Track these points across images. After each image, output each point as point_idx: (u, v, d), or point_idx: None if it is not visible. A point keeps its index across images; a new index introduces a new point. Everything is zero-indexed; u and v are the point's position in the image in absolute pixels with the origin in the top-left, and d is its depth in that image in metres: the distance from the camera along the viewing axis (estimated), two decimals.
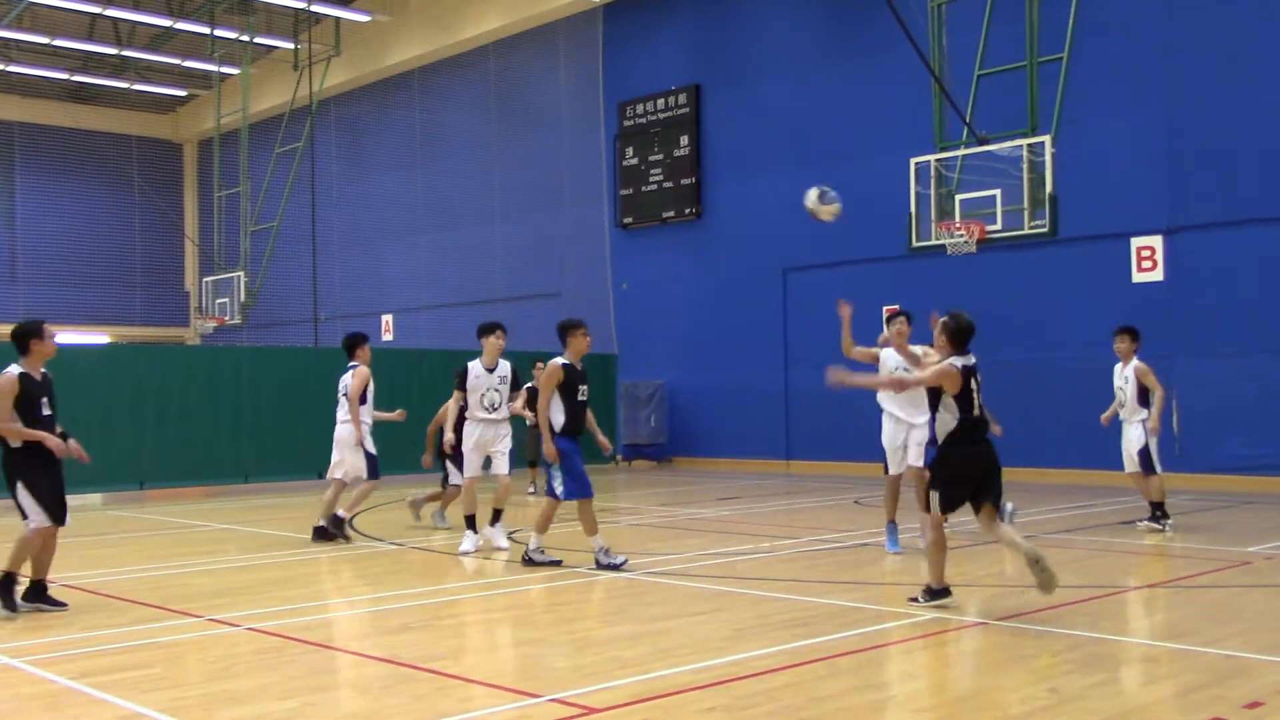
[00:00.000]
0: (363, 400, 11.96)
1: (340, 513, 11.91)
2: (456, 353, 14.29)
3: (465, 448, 11.11)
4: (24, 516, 8.01)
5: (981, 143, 15.81)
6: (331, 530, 11.80)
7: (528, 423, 12.23)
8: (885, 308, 20.24)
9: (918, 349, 10.27)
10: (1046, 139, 15.17)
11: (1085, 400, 15.41)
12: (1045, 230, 15.23)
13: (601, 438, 10.71)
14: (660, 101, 24.31)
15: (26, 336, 8.12)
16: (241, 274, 27.61)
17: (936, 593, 7.83)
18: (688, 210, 23.75)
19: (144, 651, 7.03)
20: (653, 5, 24.57)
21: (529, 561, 9.97)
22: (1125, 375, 11.98)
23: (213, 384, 19.15)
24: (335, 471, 12.01)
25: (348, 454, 11.90)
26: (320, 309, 30.41)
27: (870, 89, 20.70)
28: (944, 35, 16.79)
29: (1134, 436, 11.92)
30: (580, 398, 9.90)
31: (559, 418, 9.81)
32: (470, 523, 11.07)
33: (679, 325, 23.93)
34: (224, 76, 30.31)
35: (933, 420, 7.90)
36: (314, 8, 26.87)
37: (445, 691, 5.98)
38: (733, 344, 22.90)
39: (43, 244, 35.47)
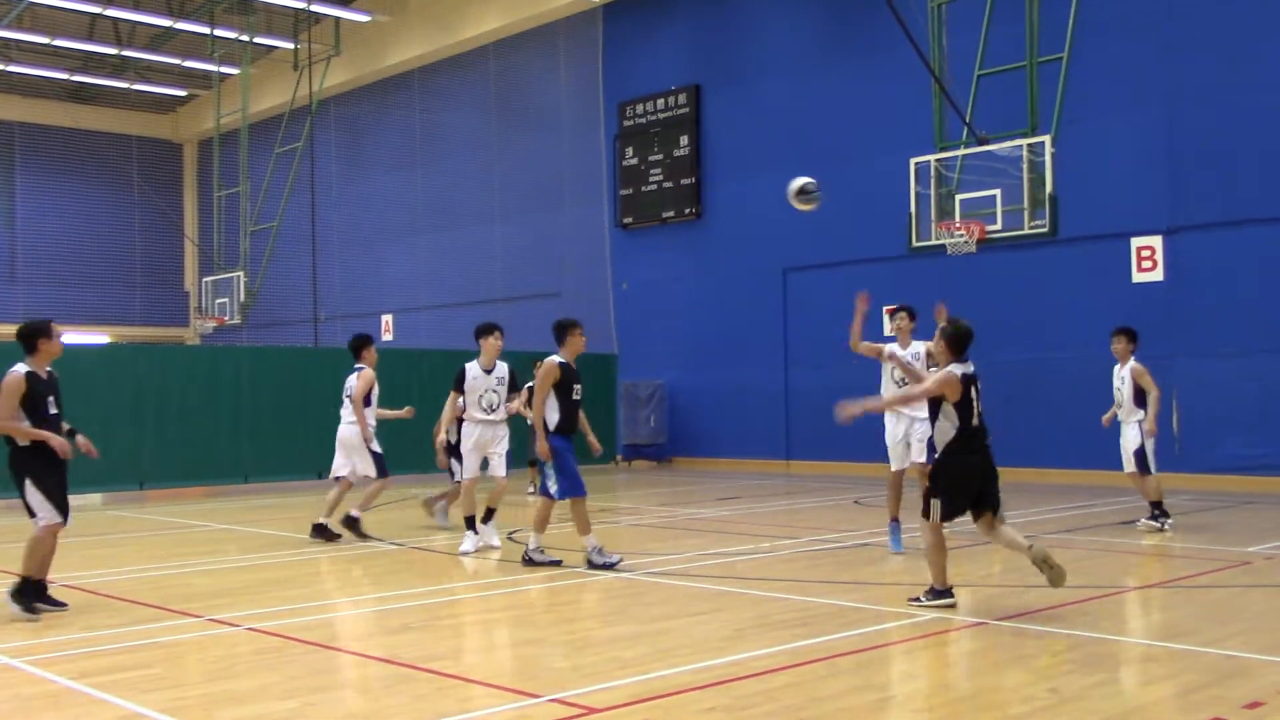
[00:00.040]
0: (367, 402, 12.00)
1: (354, 512, 12.03)
2: (456, 353, 14.31)
3: (464, 449, 11.12)
4: (32, 515, 8.00)
5: (981, 143, 15.81)
6: (342, 530, 11.89)
7: (529, 422, 12.24)
8: (885, 308, 20.33)
9: (920, 345, 10.26)
10: (1046, 139, 15.17)
11: (1085, 400, 15.42)
12: (1045, 230, 15.23)
13: (592, 438, 10.71)
14: (660, 101, 24.31)
15: (35, 335, 8.10)
16: (241, 274, 27.62)
17: (940, 593, 7.84)
18: (688, 210, 23.75)
19: (144, 651, 7.03)
20: (653, 5, 24.57)
21: (529, 561, 9.97)
22: (1122, 376, 12.06)
23: (213, 384, 19.15)
24: (340, 470, 12.03)
25: (354, 455, 11.97)
26: (320, 309, 30.41)
27: (870, 89, 20.70)
28: (944, 35, 16.79)
29: (1131, 436, 11.98)
30: (575, 397, 9.93)
31: (553, 416, 9.84)
32: (470, 523, 11.09)
33: (679, 325, 23.94)
34: (224, 76, 30.31)
35: (932, 429, 7.93)
36: (314, 8, 26.87)
37: (445, 691, 5.98)
38: (733, 344, 22.91)
39: (43, 244, 35.47)
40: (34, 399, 7.92)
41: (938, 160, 16.25)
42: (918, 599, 7.92)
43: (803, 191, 11.61)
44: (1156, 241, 17.40)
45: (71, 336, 8.52)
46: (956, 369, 7.80)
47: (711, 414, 23.35)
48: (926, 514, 7.85)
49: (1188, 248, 17.16)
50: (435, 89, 29.68)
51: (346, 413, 12.15)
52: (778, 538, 11.98)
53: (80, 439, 8.31)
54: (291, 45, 28.42)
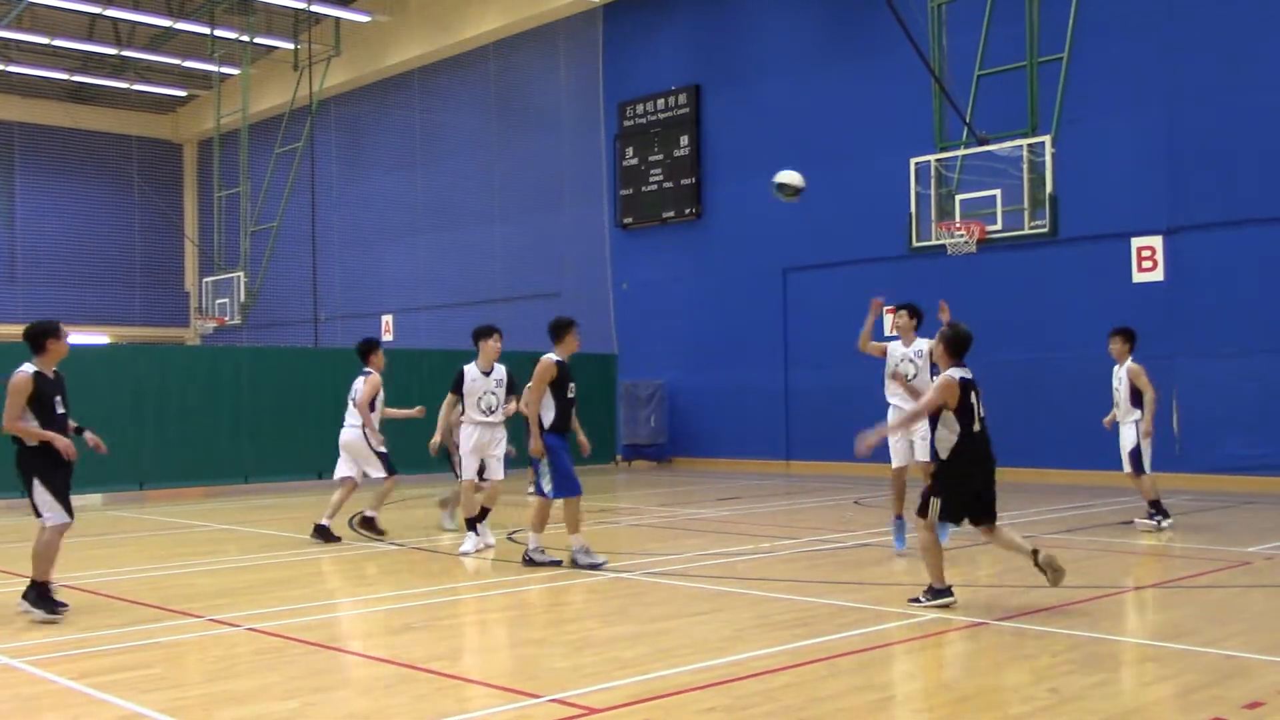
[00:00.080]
0: (371, 406, 12.07)
1: (368, 512, 12.19)
2: (457, 353, 14.32)
3: (463, 450, 11.13)
4: (38, 515, 7.97)
5: (981, 143, 15.81)
6: (359, 530, 12.04)
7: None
8: (885, 308, 20.33)
9: (924, 343, 10.23)
10: (1046, 139, 15.17)
11: (1085, 400, 15.43)
12: (1045, 230, 15.23)
13: (583, 437, 10.74)
14: (660, 101, 24.31)
15: (44, 335, 8.09)
16: (241, 274, 27.62)
17: (939, 592, 7.85)
18: (688, 210, 23.75)
19: (144, 651, 7.03)
20: (653, 5, 24.57)
21: (529, 561, 9.98)
22: (1119, 376, 12.11)
23: (213, 384, 19.15)
24: (345, 470, 12.06)
25: (358, 458, 12.06)
26: (320, 309, 30.41)
27: (870, 89, 20.70)
28: (944, 35, 16.79)
29: (1127, 436, 12.06)
30: (570, 395, 9.96)
31: (548, 414, 9.84)
32: (470, 524, 11.10)
33: (679, 325, 23.93)
34: (224, 77, 30.32)
35: (933, 438, 7.94)
36: (314, 8, 26.87)
37: (445, 691, 5.98)
38: (733, 344, 22.90)
39: (43, 244, 35.46)
40: (41, 399, 7.91)
41: (938, 160, 16.24)
42: (917, 599, 7.92)
43: (788, 187, 11.48)
44: (1156, 241, 17.40)
45: (72, 337, 8.48)
46: (955, 373, 7.83)
47: (711, 414, 23.35)
48: (924, 512, 7.87)
49: (1188, 248, 17.16)
50: (435, 89, 29.68)
51: (350, 416, 12.19)
52: (778, 538, 11.98)
53: (88, 435, 8.32)
54: (291, 45, 28.42)
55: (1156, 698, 5.74)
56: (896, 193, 17.10)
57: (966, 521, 7.99)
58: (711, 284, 23.41)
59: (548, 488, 9.81)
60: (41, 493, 7.92)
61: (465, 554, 10.86)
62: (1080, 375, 16.80)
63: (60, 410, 8.04)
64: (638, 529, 13.48)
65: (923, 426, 10.07)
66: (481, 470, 11.27)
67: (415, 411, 12.81)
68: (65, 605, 8.16)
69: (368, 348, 12.36)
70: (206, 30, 27.62)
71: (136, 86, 33.77)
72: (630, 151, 24.82)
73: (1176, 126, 17.31)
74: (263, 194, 28.83)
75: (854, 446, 8.03)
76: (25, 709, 5.78)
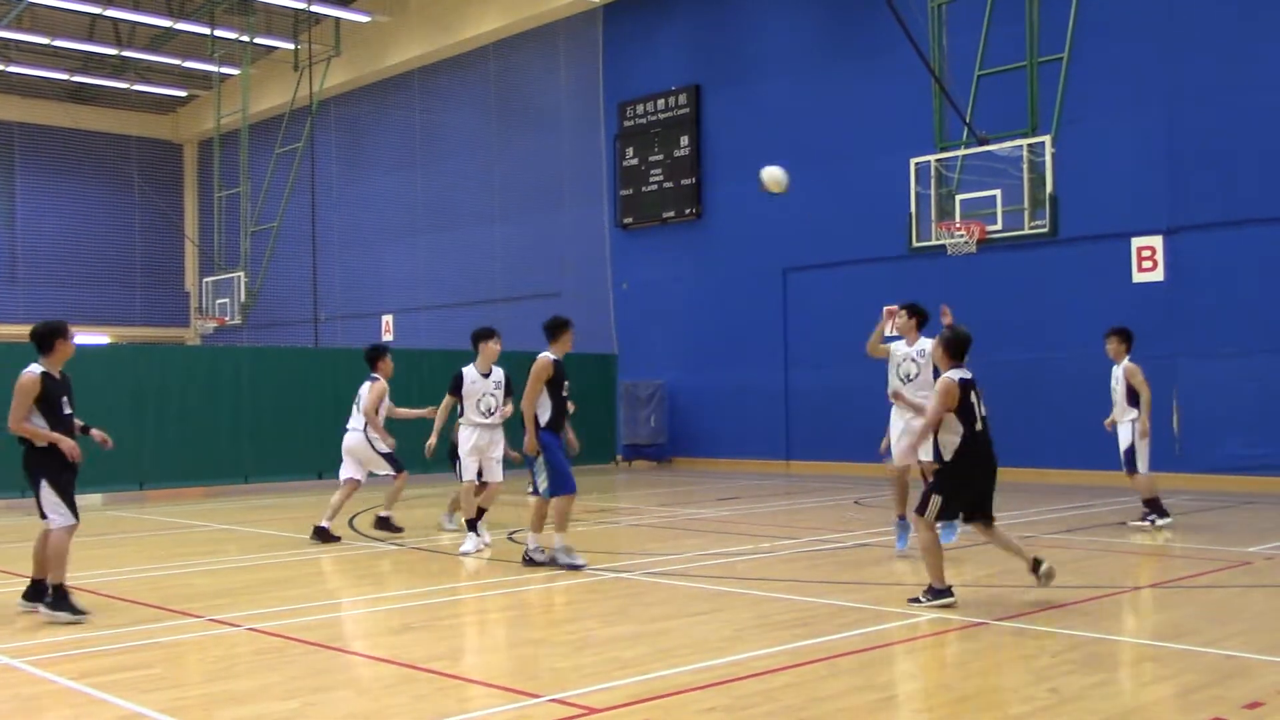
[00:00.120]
0: (375, 411, 12.17)
1: (383, 513, 12.35)
2: (457, 353, 14.33)
3: (462, 451, 11.16)
4: (43, 516, 7.93)
5: (981, 143, 15.80)
6: (382, 529, 12.20)
7: None
8: (886, 308, 20.34)
9: (927, 343, 10.18)
10: (1046, 139, 15.17)
11: (1085, 400, 15.42)
12: (1045, 230, 15.23)
13: (572, 435, 10.77)
14: (660, 101, 24.31)
15: (52, 336, 8.06)
16: (241, 274, 27.61)
17: (939, 592, 7.85)
18: (688, 210, 23.75)
19: (144, 651, 7.03)
20: (653, 5, 24.57)
21: (529, 561, 9.98)
22: (1116, 375, 12.19)
23: (213, 384, 19.16)
24: (349, 473, 12.11)
25: (364, 461, 12.19)
26: (320, 309, 30.42)
27: (870, 89, 20.70)
28: (944, 35, 16.79)
29: (1123, 435, 12.14)
30: (564, 393, 9.99)
31: (545, 413, 9.85)
32: (470, 525, 11.12)
33: (679, 325, 23.93)
34: (224, 77, 30.31)
35: (935, 439, 7.97)
36: (314, 8, 26.87)
37: (445, 691, 5.98)
38: (733, 344, 22.90)
39: (43, 244, 35.46)
40: (49, 399, 7.89)
41: (938, 160, 16.24)
42: (917, 599, 7.93)
43: (774, 183, 11.91)
44: (1156, 241, 17.40)
45: (75, 337, 8.47)
46: (954, 374, 7.89)
47: (711, 414, 23.35)
48: (923, 510, 7.90)
49: (1188, 248, 17.16)
50: (435, 89, 29.68)
51: (354, 421, 12.26)
52: (778, 538, 11.98)
53: (95, 432, 8.31)
54: (291, 45, 28.42)
55: (1156, 698, 5.74)
56: (896, 193, 17.09)
57: (961, 518, 8.06)
58: (711, 284, 23.40)
59: (543, 486, 9.81)
60: (49, 494, 7.89)
61: (465, 554, 10.87)
62: (1080, 375, 16.79)
63: (67, 411, 8.03)
64: (638, 529, 13.48)
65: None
66: (479, 472, 11.29)
67: (426, 412, 12.84)
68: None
69: (376, 354, 12.48)
70: (206, 30, 27.62)
71: (136, 87, 33.77)
72: (630, 151, 24.82)
73: (1176, 126, 17.31)
74: (263, 194, 28.83)
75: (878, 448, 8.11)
76: (25, 709, 5.78)
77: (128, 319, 36.07)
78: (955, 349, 8.03)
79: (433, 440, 11.75)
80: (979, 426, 7.86)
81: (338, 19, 28.05)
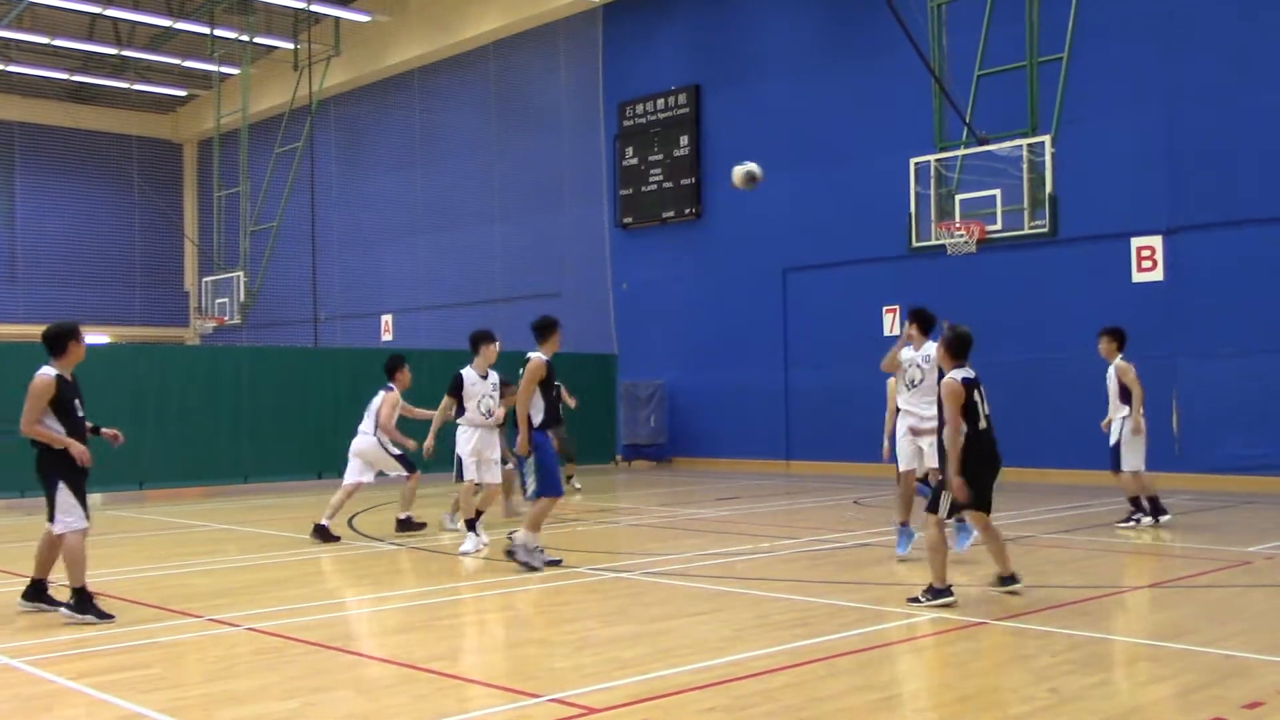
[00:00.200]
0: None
1: (402, 515, 12.49)
2: (457, 353, 14.32)
3: (463, 452, 11.20)
4: (51, 518, 7.87)
5: (981, 143, 15.80)
6: (403, 530, 12.37)
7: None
8: (886, 308, 20.36)
9: (933, 347, 10.09)
10: (1046, 139, 15.17)
11: (1085, 400, 15.42)
12: (1045, 230, 15.24)
13: (551, 433, 10.77)
14: (660, 101, 24.31)
15: (65, 338, 8.02)
16: (241, 274, 27.61)
17: (939, 592, 7.87)
18: (688, 210, 23.75)
19: (144, 651, 7.03)
20: (653, 5, 24.56)
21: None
22: (1109, 375, 12.35)
23: (213, 384, 19.16)
24: (355, 476, 12.16)
25: (375, 462, 12.31)
26: (320, 309, 30.40)
27: (870, 89, 20.70)
28: (944, 35, 16.79)
29: (1113, 433, 12.30)
30: (554, 394, 10.02)
31: (537, 414, 9.84)
32: (470, 525, 11.14)
33: (679, 325, 23.93)
34: (224, 76, 30.31)
35: (940, 438, 8.00)
36: (314, 8, 26.86)
37: (445, 691, 5.98)
38: (733, 344, 22.90)
39: (43, 244, 35.47)
40: (62, 402, 7.86)
41: (938, 160, 16.24)
42: (917, 599, 7.93)
43: (745, 179, 12.38)
44: (1156, 241, 17.40)
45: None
46: (957, 374, 7.94)
47: (711, 414, 23.35)
48: (934, 508, 7.95)
49: (1188, 248, 17.16)
50: (435, 89, 29.68)
51: (365, 425, 12.37)
52: (778, 538, 11.98)
53: (106, 431, 8.28)
54: (291, 45, 28.41)
55: (1156, 698, 5.74)
56: (896, 193, 17.09)
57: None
58: (711, 284, 23.40)
59: (531, 486, 9.79)
60: (66, 496, 7.83)
61: (465, 554, 10.87)
62: (1080, 375, 16.79)
63: (80, 413, 8.01)
64: (638, 529, 13.48)
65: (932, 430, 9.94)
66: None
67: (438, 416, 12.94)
68: (65, 605, 8.16)
69: (395, 365, 12.64)
70: (206, 30, 27.62)
71: (136, 86, 33.77)
72: (630, 151, 24.82)
73: (1176, 126, 17.31)
74: (262, 194, 28.83)
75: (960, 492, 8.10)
76: (25, 709, 5.78)
77: (127, 319, 36.08)
78: (957, 348, 8.07)
79: (430, 441, 11.80)
80: (983, 425, 7.93)
81: (337, 19, 28.05)
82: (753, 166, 12.49)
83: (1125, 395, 12.15)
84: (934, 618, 7.56)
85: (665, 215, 24.13)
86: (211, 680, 6.29)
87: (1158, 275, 17.38)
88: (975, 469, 7.88)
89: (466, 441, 11.20)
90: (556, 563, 9.98)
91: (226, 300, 27.88)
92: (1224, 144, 16.81)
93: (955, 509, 8.02)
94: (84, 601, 7.79)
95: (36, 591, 8.17)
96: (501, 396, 11.47)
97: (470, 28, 27.23)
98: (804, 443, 21.77)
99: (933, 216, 16.14)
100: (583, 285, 25.55)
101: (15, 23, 27.12)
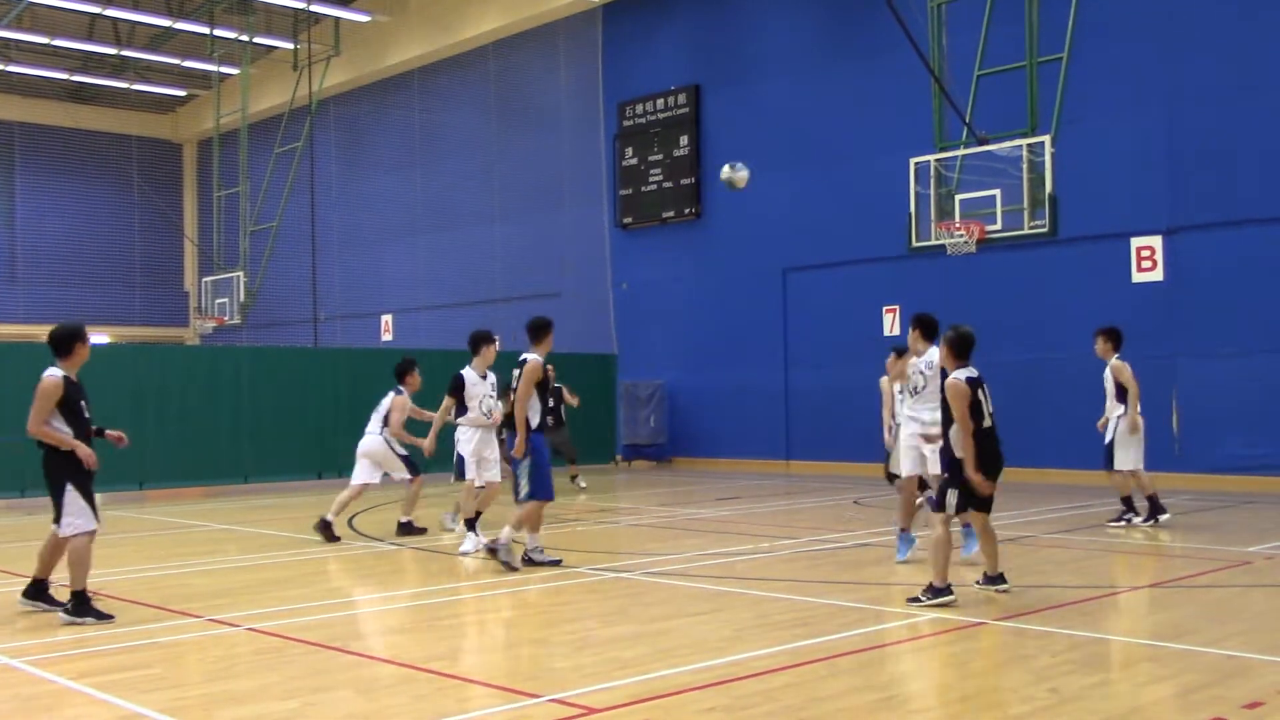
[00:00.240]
0: (390, 422, 12.38)
1: (404, 518, 12.47)
2: (457, 353, 14.33)
3: (465, 452, 11.22)
4: (57, 520, 7.84)
5: (981, 143, 15.80)
6: (406, 533, 12.33)
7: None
8: (886, 308, 20.36)
9: (934, 353, 10.01)
10: (1046, 139, 15.17)
11: (1085, 400, 15.41)
12: (1045, 230, 15.24)
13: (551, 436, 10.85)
14: (660, 101, 24.31)
15: (72, 339, 8.01)
16: (241, 274, 27.61)
17: (939, 590, 7.88)
18: (688, 210, 23.75)
19: (144, 651, 7.03)
20: (653, 5, 24.56)
21: (529, 561, 9.98)
22: (1105, 374, 12.45)
23: (213, 384, 19.15)
24: (363, 477, 12.20)
25: (381, 464, 12.35)
26: (320, 309, 30.39)
27: (870, 89, 20.70)
28: (944, 35, 16.79)
29: (1108, 431, 12.37)
30: (557, 396, 10.05)
31: (534, 416, 9.84)
32: (469, 525, 11.15)
33: (679, 325, 23.93)
34: (224, 76, 30.30)
35: (946, 440, 8.02)
36: (314, 8, 26.86)
37: (445, 691, 5.98)
38: (733, 344, 22.90)
39: (43, 244, 35.46)
40: (69, 403, 7.84)
41: (938, 160, 16.24)
42: (917, 599, 7.94)
43: (734, 169, 12.77)
44: (1156, 241, 17.39)
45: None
46: (961, 374, 7.97)
47: (711, 414, 23.35)
48: (941, 507, 7.98)
49: (1188, 248, 17.16)
50: (435, 89, 29.68)
51: (373, 425, 12.42)
52: (778, 538, 11.98)
53: (110, 433, 8.24)
54: (291, 45, 28.41)
55: (1156, 698, 5.74)
56: (896, 193, 17.09)
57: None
58: (711, 284, 23.40)
59: (525, 489, 9.76)
60: (75, 498, 7.79)
61: (465, 554, 10.87)
62: (1080, 375, 16.77)
63: (86, 414, 7.99)
64: (638, 529, 13.48)
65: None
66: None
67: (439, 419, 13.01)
68: (65, 605, 8.15)
69: (406, 368, 12.67)
70: (206, 30, 27.61)
71: (136, 86, 33.77)
72: (630, 151, 24.82)
73: (1176, 126, 17.31)
74: (262, 194, 28.82)
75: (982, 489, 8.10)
76: (25, 709, 5.78)
77: (127, 319, 36.07)
78: (960, 348, 8.09)
79: (431, 442, 11.82)
80: (987, 423, 7.97)
81: (337, 19, 28.05)
82: (735, 178, 12.65)
83: (1121, 394, 12.25)
84: (934, 618, 7.56)
85: (665, 215, 24.13)
86: (211, 680, 6.29)
87: (1158, 275, 17.38)
88: (980, 466, 7.93)
89: (468, 441, 11.22)
90: (556, 563, 9.98)
91: (226, 300, 27.88)
92: (1224, 144, 16.81)
93: (962, 506, 8.02)
94: (82, 604, 7.78)
95: (37, 590, 8.17)
96: (501, 396, 11.47)
97: (470, 28, 27.23)
98: (804, 443, 21.77)
99: (933, 216, 16.14)
100: (583, 285, 25.55)
101: (15, 23, 27.11)
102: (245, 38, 27.55)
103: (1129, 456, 12.18)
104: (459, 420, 11.34)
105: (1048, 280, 18.47)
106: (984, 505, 8.12)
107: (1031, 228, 15.29)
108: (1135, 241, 17.58)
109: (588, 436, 21.41)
